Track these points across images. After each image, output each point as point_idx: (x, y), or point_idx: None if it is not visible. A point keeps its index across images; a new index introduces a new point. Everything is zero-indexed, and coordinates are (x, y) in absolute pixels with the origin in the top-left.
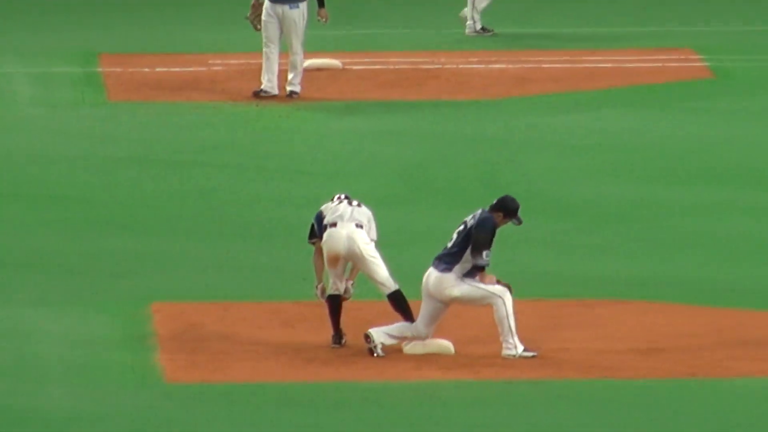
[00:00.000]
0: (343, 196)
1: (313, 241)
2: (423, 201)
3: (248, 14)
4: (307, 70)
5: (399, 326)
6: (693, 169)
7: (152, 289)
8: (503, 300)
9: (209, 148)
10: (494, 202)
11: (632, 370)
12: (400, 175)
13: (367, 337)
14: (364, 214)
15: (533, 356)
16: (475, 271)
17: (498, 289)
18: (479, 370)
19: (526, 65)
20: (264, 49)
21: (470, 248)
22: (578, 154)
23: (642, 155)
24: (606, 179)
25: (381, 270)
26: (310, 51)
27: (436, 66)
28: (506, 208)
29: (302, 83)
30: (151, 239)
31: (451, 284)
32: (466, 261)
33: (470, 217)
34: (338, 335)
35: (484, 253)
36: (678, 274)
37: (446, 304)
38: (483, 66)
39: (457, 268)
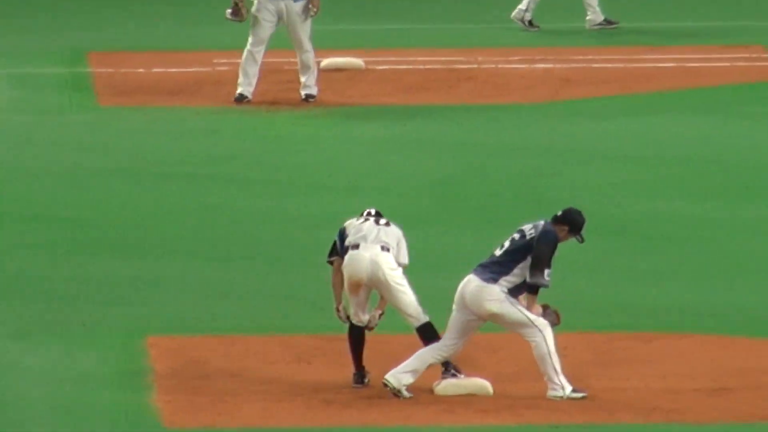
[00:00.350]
0: (373, 212)
1: (332, 259)
2: (454, 220)
3: (229, 12)
4: (324, 71)
5: (418, 356)
6: (763, 184)
7: (148, 320)
8: (544, 335)
9: (213, 159)
10: (558, 214)
11: (696, 412)
12: (429, 191)
13: (386, 385)
14: (393, 234)
15: (583, 397)
16: (522, 291)
17: (541, 322)
18: (521, 413)
19: (573, 65)
20: (249, 49)
21: (531, 264)
22: (631, 166)
23: (704, 168)
24: (663, 195)
25: (409, 299)
26: (328, 49)
27: (472, 66)
28: (573, 222)
29: (319, 84)
30: (146, 263)
31: (494, 297)
32: (516, 276)
33: (529, 226)
34: (360, 373)
35: (546, 272)
36: (745, 303)
37: (481, 319)
38: (525, 66)
39: (503, 280)
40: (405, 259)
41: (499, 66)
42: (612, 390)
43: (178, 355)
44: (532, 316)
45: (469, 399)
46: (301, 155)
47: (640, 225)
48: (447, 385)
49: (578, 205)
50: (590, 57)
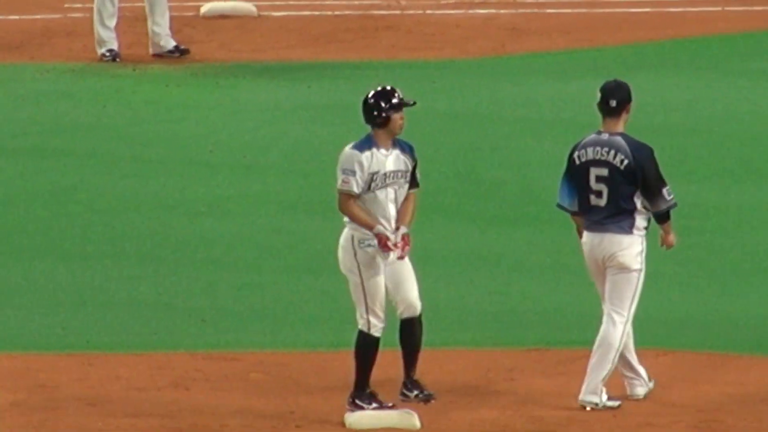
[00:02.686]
0: None
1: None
2: None
3: None
4: (206, 18)
5: (597, 360)
6: (765, 159)
7: None
8: (624, 330)
9: (65, 129)
10: (614, 105)
11: None
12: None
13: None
14: None
15: (618, 406)
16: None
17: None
18: None
19: (522, 10)
20: None
21: (644, 192)
22: None
23: (690, 140)
24: None
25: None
26: None
27: (393, 12)
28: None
29: (194, 35)
30: None
31: (634, 251)
32: (642, 215)
33: (605, 151)
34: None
35: (665, 189)
36: (742, 311)
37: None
38: (461, 12)
39: (635, 229)
40: None
41: (428, 12)
42: (570, 422)
43: (21, 380)
44: (634, 306)
45: None
46: (177, 125)
47: None
48: (363, 417)
49: (528, 188)
50: (542, 0)
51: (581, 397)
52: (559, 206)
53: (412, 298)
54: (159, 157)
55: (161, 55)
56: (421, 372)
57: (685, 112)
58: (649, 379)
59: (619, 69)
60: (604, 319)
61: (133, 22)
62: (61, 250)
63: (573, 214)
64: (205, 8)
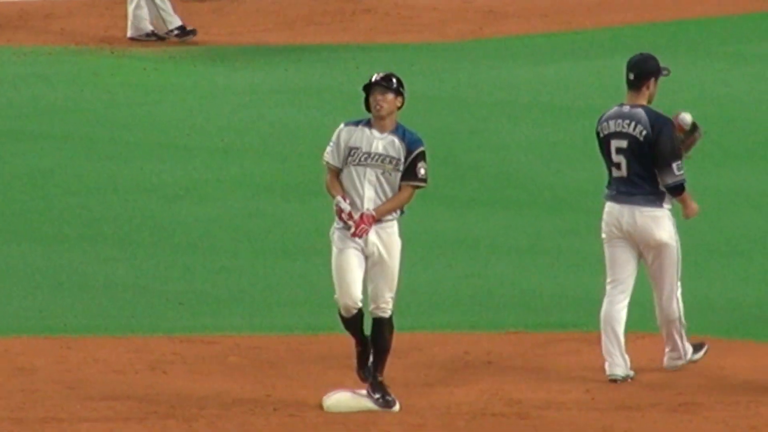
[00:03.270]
0: None
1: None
2: None
3: None
4: (183, 1)
5: (665, 336)
6: (743, 144)
7: None
8: (678, 297)
9: (42, 112)
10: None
11: None
12: (319, 153)
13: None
14: None
15: (706, 351)
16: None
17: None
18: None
19: None
20: None
21: (655, 165)
22: (574, 122)
23: None
24: None
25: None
26: None
27: None
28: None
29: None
30: None
31: (667, 225)
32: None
33: (623, 124)
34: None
35: (675, 164)
36: (720, 296)
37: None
38: None
39: (662, 201)
40: None
41: None
42: (548, 405)
43: (1, 362)
44: (679, 275)
45: (368, 417)
46: (154, 109)
47: (585, 197)
48: (341, 399)
49: (506, 172)
50: None
51: (666, 364)
52: None
53: (381, 300)
54: (136, 141)
55: (138, 39)
56: (398, 355)
57: (662, 95)
58: (630, 369)
59: (597, 52)
60: (655, 300)
61: (110, 5)
62: (39, 233)
63: None
64: None
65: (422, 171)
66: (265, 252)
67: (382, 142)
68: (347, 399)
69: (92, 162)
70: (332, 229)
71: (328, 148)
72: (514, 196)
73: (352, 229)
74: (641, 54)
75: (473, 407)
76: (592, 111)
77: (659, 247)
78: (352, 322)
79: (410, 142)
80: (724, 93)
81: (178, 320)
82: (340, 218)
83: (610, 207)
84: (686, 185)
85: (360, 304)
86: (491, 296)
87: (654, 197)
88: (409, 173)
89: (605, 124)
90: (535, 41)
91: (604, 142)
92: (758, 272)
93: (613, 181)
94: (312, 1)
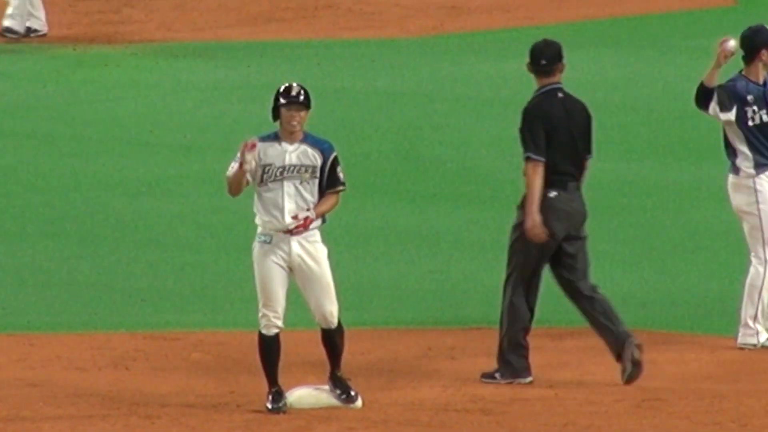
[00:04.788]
0: None
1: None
2: None
3: None
4: None
5: (744, 302)
6: (711, 138)
7: None
8: (766, 268)
9: (4, 109)
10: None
11: (620, 430)
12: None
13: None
14: None
15: None
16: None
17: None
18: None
19: None
20: None
21: None
22: None
23: (630, 118)
24: None
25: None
26: None
27: None
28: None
29: (133, 14)
30: None
31: (748, 193)
32: (740, 155)
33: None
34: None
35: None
36: (682, 291)
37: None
38: None
39: (740, 162)
40: None
41: None
42: (511, 401)
43: None
44: None
45: (331, 413)
46: (117, 105)
47: None
48: (303, 395)
49: (469, 169)
50: None
51: (739, 341)
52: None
53: (325, 312)
54: (99, 137)
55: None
56: (361, 351)
57: (625, 90)
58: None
59: None
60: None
61: (73, 1)
62: (1, 230)
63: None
64: None
65: (341, 175)
66: (228, 248)
67: (294, 153)
68: (309, 395)
69: (54, 159)
70: (254, 244)
71: (234, 163)
72: (477, 191)
73: (293, 224)
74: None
75: (436, 403)
76: None
77: (742, 215)
78: (270, 351)
79: (323, 149)
80: (687, 88)
81: (141, 317)
82: (242, 153)
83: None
84: None
85: (281, 323)
86: (454, 292)
87: (732, 167)
88: (332, 180)
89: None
90: (497, 36)
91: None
92: (721, 267)
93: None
94: None
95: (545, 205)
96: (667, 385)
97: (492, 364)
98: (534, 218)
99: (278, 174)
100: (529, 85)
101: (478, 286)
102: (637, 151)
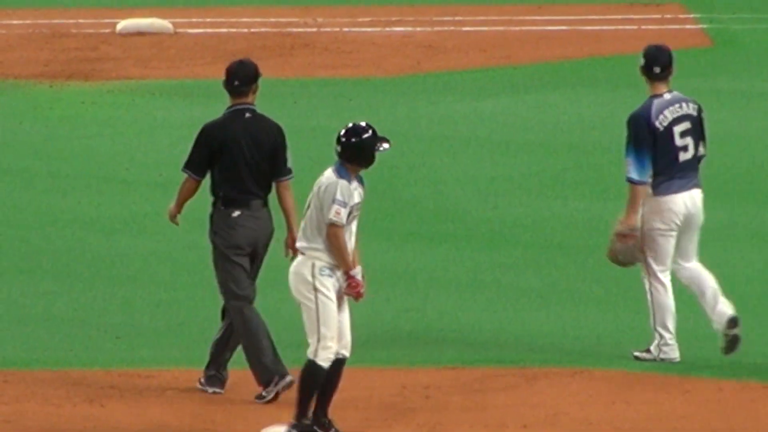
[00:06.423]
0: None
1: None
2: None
3: None
4: (122, 35)
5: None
6: None
7: None
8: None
9: None
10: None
11: None
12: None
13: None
14: None
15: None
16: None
17: None
18: None
19: (438, 28)
20: None
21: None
22: (513, 157)
23: (606, 159)
24: (553, 193)
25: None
26: (125, 6)
27: (310, 29)
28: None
29: (110, 51)
30: None
31: None
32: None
33: (677, 108)
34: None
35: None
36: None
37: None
38: (377, 29)
39: None
40: None
41: (345, 30)
42: None
43: None
44: None
45: None
46: (93, 142)
47: (524, 232)
48: None
49: (445, 206)
50: (459, 18)
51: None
52: (638, 182)
53: (349, 338)
54: (75, 174)
55: None
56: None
57: (602, 129)
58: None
59: (536, 86)
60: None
61: (50, 39)
62: None
63: (644, 185)
64: (121, 25)
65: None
66: (203, 285)
67: (357, 191)
68: None
69: (30, 195)
70: (320, 267)
71: (340, 210)
72: (452, 230)
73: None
74: (654, 46)
75: None
76: (531, 146)
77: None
78: (322, 380)
79: (359, 179)
80: None
81: (116, 353)
82: (357, 292)
83: (680, 198)
84: None
85: None
86: (429, 331)
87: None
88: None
89: (662, 116)
90: (474, 76)
91: (666, 133)
92: (696, 308)
93: (679, 169)
94: (251, 35)
95: None
96: (642, 424)
97: (464, 403)
98: None
99: (354, 212)
100: (505, 125)
101: (453, 325)
102: (614, 190)
